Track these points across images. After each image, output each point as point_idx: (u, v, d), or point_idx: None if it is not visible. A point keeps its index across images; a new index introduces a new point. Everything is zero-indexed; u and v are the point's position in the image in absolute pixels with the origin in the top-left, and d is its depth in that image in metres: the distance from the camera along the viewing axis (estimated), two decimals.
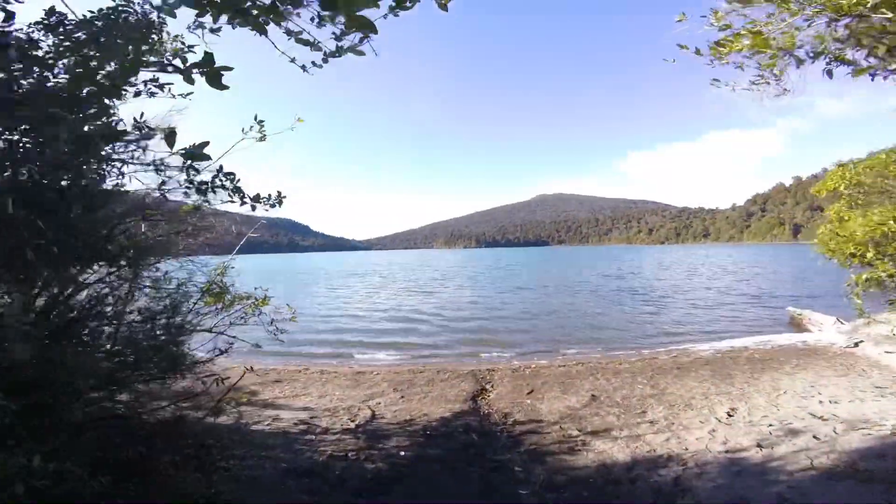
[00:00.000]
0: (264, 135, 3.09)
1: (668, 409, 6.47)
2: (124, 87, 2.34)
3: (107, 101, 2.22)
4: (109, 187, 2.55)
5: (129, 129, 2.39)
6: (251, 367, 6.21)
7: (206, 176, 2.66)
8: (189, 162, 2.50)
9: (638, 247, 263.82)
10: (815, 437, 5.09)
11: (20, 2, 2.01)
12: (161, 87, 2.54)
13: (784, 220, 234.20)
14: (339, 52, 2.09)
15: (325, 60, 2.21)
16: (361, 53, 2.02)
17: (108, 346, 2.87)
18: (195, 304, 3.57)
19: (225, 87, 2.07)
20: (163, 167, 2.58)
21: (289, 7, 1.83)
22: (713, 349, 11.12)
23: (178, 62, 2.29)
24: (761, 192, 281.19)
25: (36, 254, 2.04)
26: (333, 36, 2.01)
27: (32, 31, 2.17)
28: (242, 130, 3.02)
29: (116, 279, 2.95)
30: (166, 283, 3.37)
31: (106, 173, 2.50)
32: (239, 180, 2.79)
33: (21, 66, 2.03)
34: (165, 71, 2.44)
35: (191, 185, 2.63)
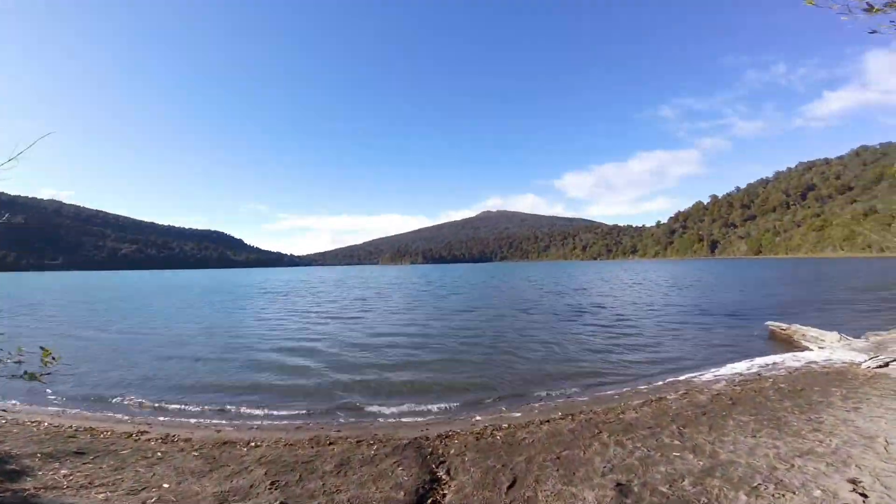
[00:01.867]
0: None
1: (757, 499, 3.78)
2: None
3: None
4: None
5: None
6: None
7: None
8: None
9: (574, 262, 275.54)
10: None
11: None
12: None
13: (703, 237, 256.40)
14: None
15: None
16: None
17: None
18: None
19: None
20: None
21: None
22: (719, 379, 8.88)
23: None
24: (682, 209, 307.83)
25: None
26: None
27: None
28: None
29: None
30: None
31: None
32: None
33: None
34: None
35: None
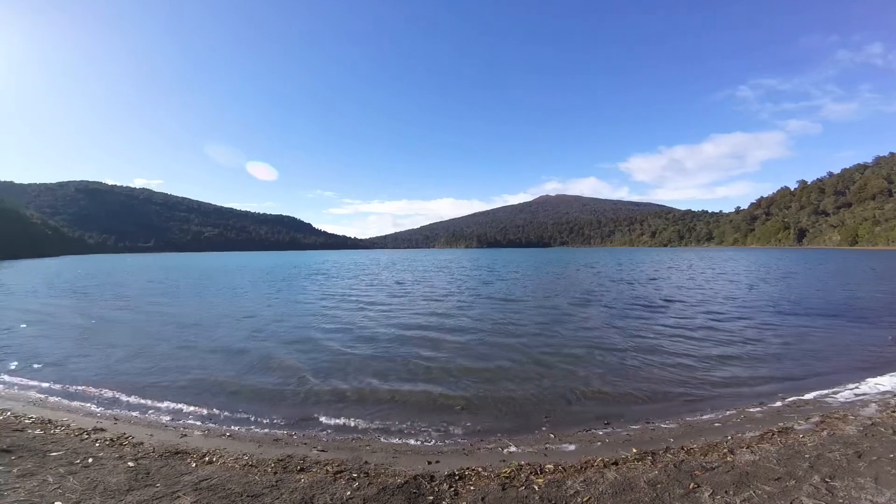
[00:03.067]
0: None
1: None
2: None
3: None
4: None
5: None
6: None
7: None
8: None
9: (642, 249, 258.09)
10: None
11: None
12: None
13: (789, 224, 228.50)
14: None
15: None
16: None
17: None
18: None
19: None
20: None
21: None
22: (865, 400, 6.32)
23: None
24: (766, 195, 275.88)
25: None
26: None
27: None
28: None
29: None
30: None
31: None
32: None
33: None
34: None
35: None
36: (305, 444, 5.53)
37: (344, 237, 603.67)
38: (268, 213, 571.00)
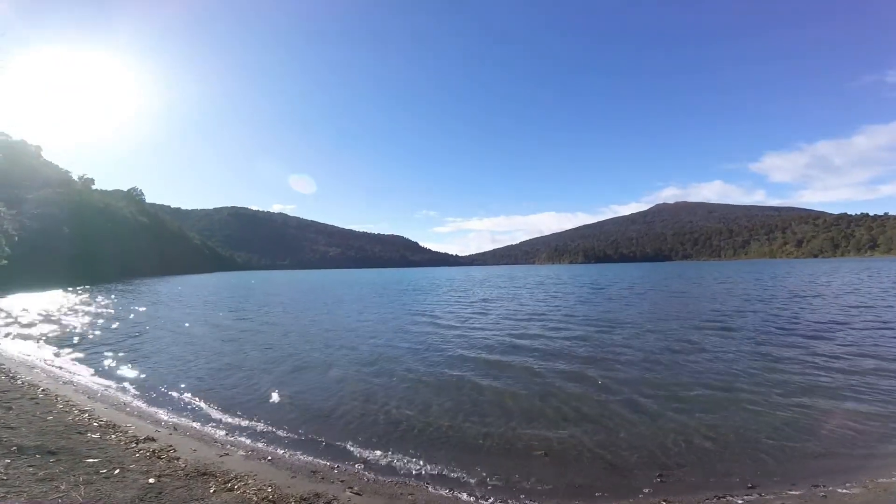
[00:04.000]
0: None
1: None
2: None
3: None
4: None
5: None
6: None
7: None
8: None
9: (786, 261, 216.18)
10: None
11: None
12: None
13: None
14: None
15: None
16: None
17: None
18: None
19: None
20: None
21: None
22: None
23: None
24: None
25: None
26: None
27: None
28: None
29: None
30: None
31: None
32: None
33: None
34: None
35: None
36: (342, 481, 4.77)
37: (446, 254, 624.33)
38: (382, 233, 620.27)
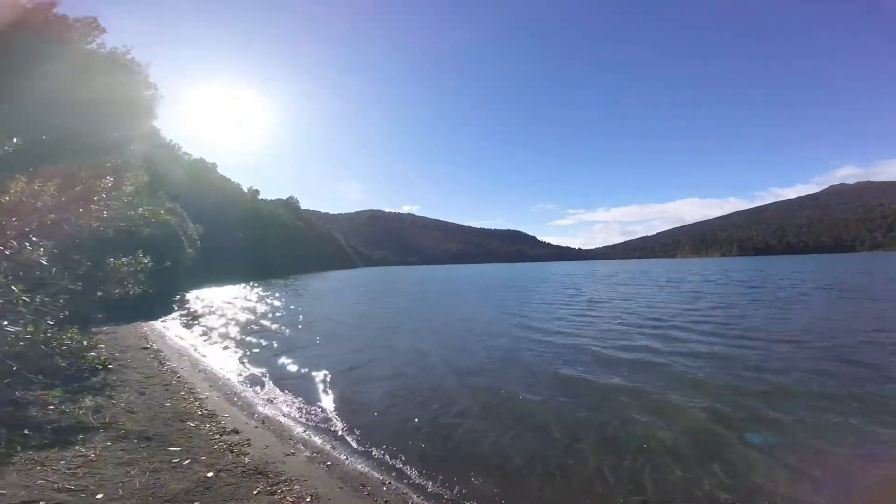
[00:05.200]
0: None
1: None
2: None
3: None
4: None
5: None
6: None
7: None
8: None
9: None
10: None
11: None
12: None
13: None
14: None
15: None
16: None
17: None
18: None
19: None
20: None
21: None
22: None
23: None
24: None
25: None
26: None
27: None
28: None
29: None
30: None
31: None
32: None
33: None
34: None
35: None
36: (386, 501, 4.88)
37: (567, 248, 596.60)
38: (498, 228, 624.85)
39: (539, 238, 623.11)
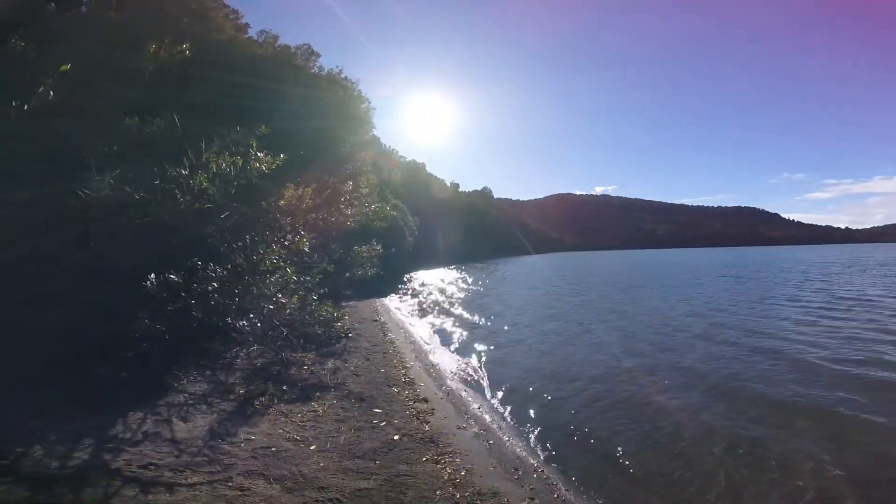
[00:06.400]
0: None
1: None
2: None
3: None
4: None
5: None
6: None
7: None
8: None
9: None
10: None
11: None
12: None
13: None
14: None
15: None
16: None
17: None
18: None
19: None
20: None
21: None
22: None
23: None
24: None
25: None
26: None
27: None
28: None
29: None
30: None
31: None
32: None
33: None
34: None
35: None
36: (532, 488, 4.78)
37: (827, 227, 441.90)
38: (723, 205, 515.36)
39: (783, 216, 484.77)
